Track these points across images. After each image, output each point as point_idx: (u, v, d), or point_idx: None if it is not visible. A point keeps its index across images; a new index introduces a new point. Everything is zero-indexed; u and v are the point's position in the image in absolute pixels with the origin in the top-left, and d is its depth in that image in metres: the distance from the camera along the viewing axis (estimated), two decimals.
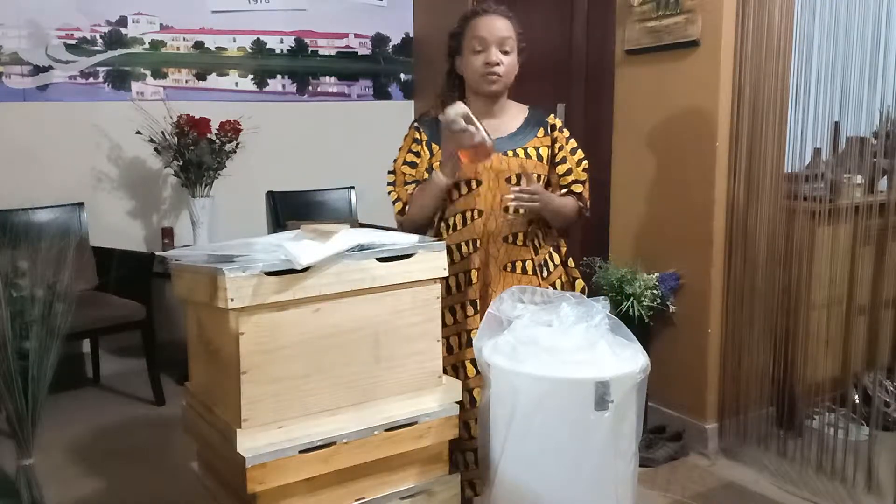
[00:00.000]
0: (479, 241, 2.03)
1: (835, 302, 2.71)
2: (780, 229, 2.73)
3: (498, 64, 1.99)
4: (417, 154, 2.09)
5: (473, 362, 1.98)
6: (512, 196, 1.92)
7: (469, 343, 1.98)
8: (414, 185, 2.07)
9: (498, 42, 2.00)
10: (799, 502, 2.52)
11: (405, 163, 2.10)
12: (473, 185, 2.02)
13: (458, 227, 2.04)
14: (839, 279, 2.69)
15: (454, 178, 1.98)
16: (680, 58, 2.86)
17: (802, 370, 2.75)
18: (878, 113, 2.61)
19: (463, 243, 2.04)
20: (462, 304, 2.04)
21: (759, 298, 2.76)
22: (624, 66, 3.12)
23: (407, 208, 2.07)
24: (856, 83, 2.53)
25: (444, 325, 2.05)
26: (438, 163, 2.00)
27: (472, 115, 1.87)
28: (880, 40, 2.51)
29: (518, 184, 1.97)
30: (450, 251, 2.03)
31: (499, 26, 2.01)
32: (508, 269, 2.05)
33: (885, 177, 2.64)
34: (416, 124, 2.14)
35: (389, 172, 2.13)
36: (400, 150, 2.14)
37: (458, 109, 1.87)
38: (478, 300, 2.02)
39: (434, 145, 2.07)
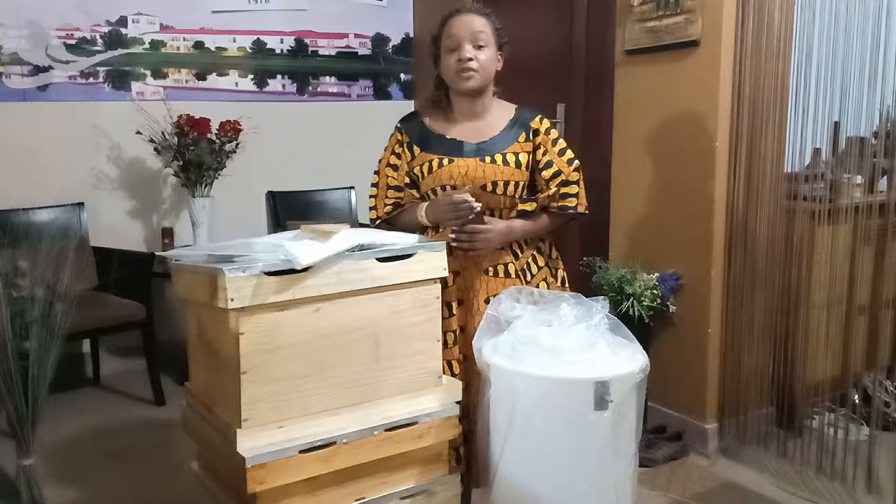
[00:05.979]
0: None
1: (835, 302, 2.71)
2: (780, 229, 2.73)
3: (471, 59, 1.95)
4: (399, 156, 2.09)
5: (456, 362, 1.99)
6: (452, 237, 1.93)
7: (448, 344, 1.98)
8: (394, 192, 2.07)
9: (470, 37, 1.96)
10: (799, 502, 2.52)
11: (388, 164, 2.10)
12: (449, 190, 1.99)
13: (434, 234, 2.03)
14: (839, 279, 2.69)
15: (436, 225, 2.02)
16: (680, 58, 2.86)
17: (802, 370, 2.75)
18: (878, 113, 2.61)
19: None
20: None
21: (759, 298, 2.76)
22: (624, 66, 3.12)
23: (379, 220, 2.08)
24: (856, 83, 2.52)
25: None
26: (429, 203, 2.00)
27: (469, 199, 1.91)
28: (880, 40, 2.50)
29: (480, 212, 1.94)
30: None
31: (471, 22, 1.97)
32: (490, 273, 2.01)
33: (885, 177, 2.64)
34: (399, 125, 2.12)
35: (375, 173, 2.14)
36: (385, 150, 2.13)
37: (466, 196, 1.90)
38: (454, 303, 2.01)
39: (415, 147, 2.06)
